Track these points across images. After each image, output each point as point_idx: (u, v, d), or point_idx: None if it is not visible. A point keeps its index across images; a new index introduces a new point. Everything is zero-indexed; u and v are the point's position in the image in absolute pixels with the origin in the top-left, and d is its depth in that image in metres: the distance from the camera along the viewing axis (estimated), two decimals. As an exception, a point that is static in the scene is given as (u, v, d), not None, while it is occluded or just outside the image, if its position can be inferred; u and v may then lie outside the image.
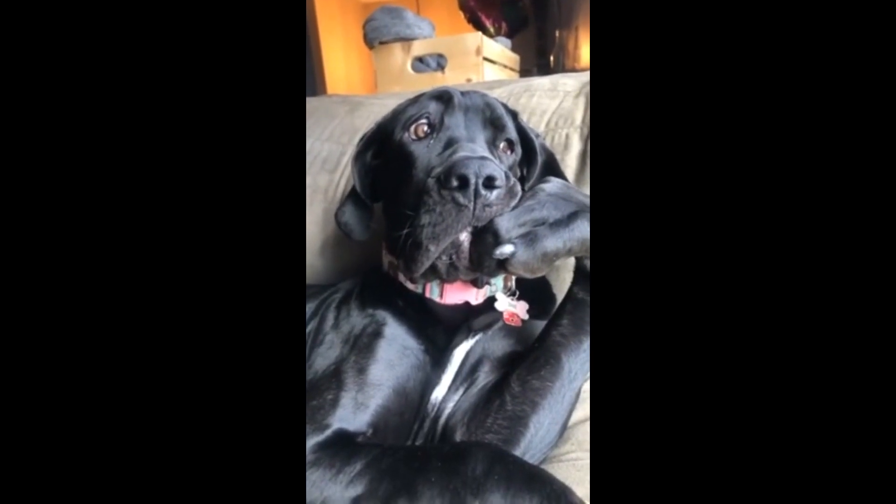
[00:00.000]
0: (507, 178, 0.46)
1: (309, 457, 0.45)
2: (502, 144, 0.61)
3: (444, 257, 0.48)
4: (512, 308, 0.59)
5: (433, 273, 0.50)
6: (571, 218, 0.43)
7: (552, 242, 0.42)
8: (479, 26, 2.40)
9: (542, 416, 0.50)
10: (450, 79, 1.68)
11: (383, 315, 0.59)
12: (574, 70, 2.08)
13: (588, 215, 0.43)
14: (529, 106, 0.84)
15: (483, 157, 0.47)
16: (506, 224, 0.43)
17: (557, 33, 2.32)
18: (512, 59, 2.01)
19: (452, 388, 0.57)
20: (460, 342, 0.58)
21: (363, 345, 0.56)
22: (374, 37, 1.75)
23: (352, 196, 0.70)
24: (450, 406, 0.56)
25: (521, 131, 0.65)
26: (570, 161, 0.77)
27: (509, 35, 2.33)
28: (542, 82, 0.89)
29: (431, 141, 0.57)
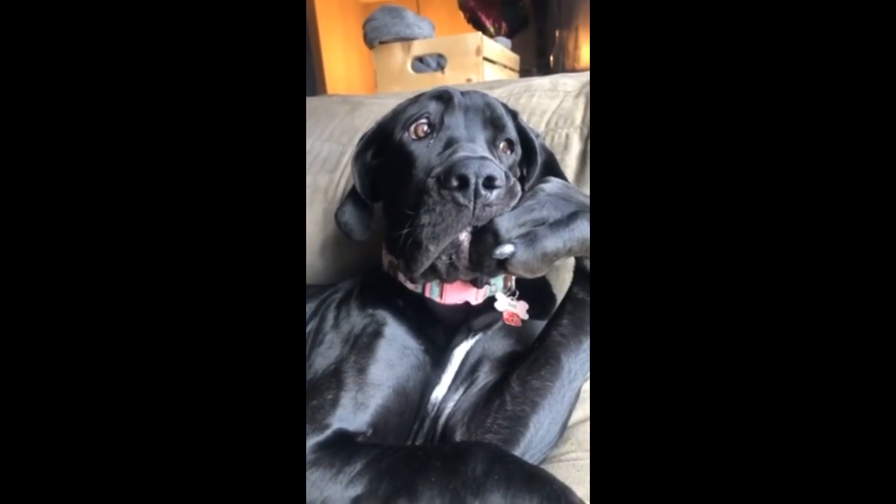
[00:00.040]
0: (507, 178, 0.46)
1: (309, 457, 0.45)
2: (502, 144, 0.61)
3: (443, 257, 0.48)
4: (512, 308, 0.59)
5: (433, 273, 0.50)
6: (571, 218, 0.43)
7: (552, 242, 0.42)
8: (479, 26, 2.39)
9: (542, 416, 0.50)
10: (450, 79, 1.68)
11: (383, 315, 0.59)
12: (574, 70, 2.08)
13: (588, 215, 0.43)
14: (529, 106, 0.84)
15: (483, 157, 0.47)
16: (506, 224, 0.43)
17: (557, 33, 2.32)
18: (512, 59, 2.01)
19: (452, 387, 0.57)
20: (460, 342, 0.58)
21: (363, 345, 0.56)
22: (374, 36, 1.75)
23: (352, 196, 0.70)
24: (450, 406, 0.56)
25: (521, 131, 0.65)
26: (570, 161, 0.77)
27: (509, 35, 2.33)
28: (542, 82, 0.89)
29: (431, 141, 0.57)
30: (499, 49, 1.85)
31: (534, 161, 0.65)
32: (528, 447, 0.50)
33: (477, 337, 0.59)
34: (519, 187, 0.47)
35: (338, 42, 3.09)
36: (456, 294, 0.59)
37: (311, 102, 1.14)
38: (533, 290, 0.63)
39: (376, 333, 0.56)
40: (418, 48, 1.71)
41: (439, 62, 1.73)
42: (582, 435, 0.55)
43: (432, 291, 0.59)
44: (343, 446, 0.46)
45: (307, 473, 0.43)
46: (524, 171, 0.66)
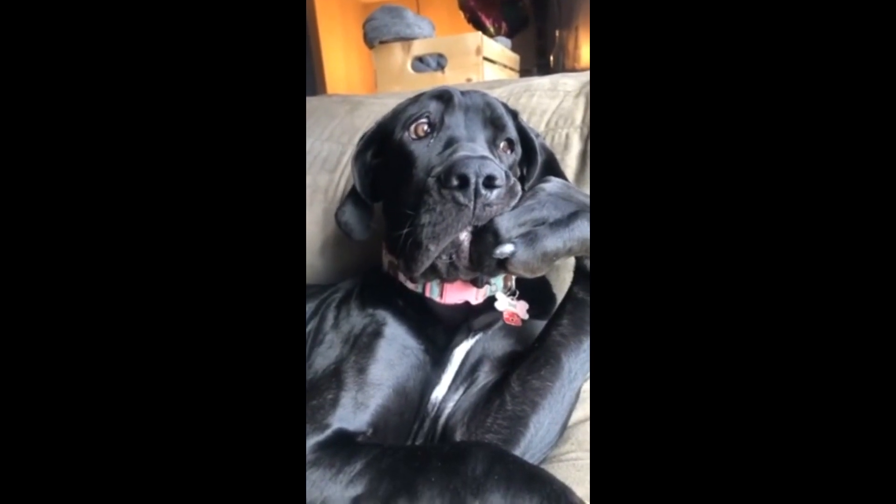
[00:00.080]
0: (508, 177, 0.46)
1: (309, 456, 0.45)
2: (502, 144, 0.61)
3: (444, 257, 0.48)
4: (512, 308, 0.59)
5: (433, 273, 0.50)
6: (571, 218, 0.43)
7: (552, 242, 0.42)
8: (479, 26, 2.39)
9: (542, 416, 0.50)
10: (450, 78, 1.68)
11: (383, 315, 0.59)
12: (574, 70, 2.08)
13: (588, 215, 0.43)
14: (529, 106, 0.84)
15: (483, 157, 0.47)
16: (506, 223, 0.43)
17: (557, 33, 2.32)
18: (512, 59, 2.01)
19: (452, 387, 0.57)
20: (460, 342, 0.58)
21: (363, 344, 0.56)
22: (374, 36, 1.75)
23: (352, 196, 0.69)
24: (450, 406, 0.56)
25: (521, 131, 0.65)
26: (570, 161, 0.77)
27: (509, 35, 2.33)
28: (542, 82, 0.89)
29: (431, 140, 0.57)
30: (499, 49, 1.85)
31: (534, 161, 0.65)
32: (528, 447, 0.50)
33: (477, 337, 0.59)
34: (519, 187, 0.47)
35: (338, 42, 3.09)
36: (456, 294, 0.59)
37: (311, 102, 1.14)
38: (533, 290, 0.63)
39: (376, 333, 0.56)
40: (418, 48, 1.71)
41: (439, 62, 1.73)
42: (582, 435, 0.55)
43: (432, 291, 0.59)
44: (343, 446, 0.46)
45: (307, 473, 0.43)
46: (524, 171, 0.66)
